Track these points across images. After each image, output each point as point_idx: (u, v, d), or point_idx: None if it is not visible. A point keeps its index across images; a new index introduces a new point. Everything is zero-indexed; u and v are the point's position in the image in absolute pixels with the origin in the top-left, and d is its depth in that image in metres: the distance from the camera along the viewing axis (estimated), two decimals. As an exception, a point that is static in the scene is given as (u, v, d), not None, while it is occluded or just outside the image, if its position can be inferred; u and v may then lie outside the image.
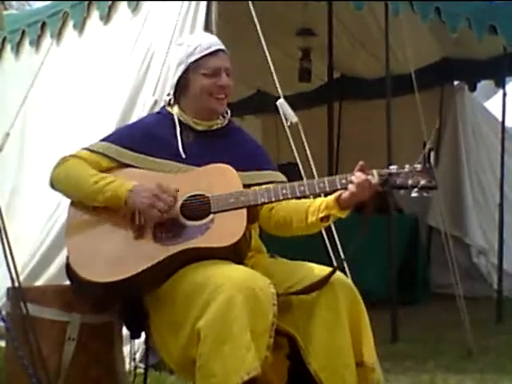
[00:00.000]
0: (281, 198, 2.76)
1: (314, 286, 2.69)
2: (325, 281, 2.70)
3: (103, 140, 2.98)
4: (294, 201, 2.85)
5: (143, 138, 2.93)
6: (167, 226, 2.75)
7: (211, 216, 2.73)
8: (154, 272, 2.67)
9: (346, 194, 2.72)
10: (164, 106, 3.06)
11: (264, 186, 2.82)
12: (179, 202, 2.77)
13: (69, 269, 2.78)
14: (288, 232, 2.92)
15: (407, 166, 2.73)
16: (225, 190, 2.77)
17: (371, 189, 2.70)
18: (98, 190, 2.78)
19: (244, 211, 2.74)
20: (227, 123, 3.03)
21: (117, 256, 2.72)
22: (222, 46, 2.98)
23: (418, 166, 2.71)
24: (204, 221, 2.73)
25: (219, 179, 2.81)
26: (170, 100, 3.03)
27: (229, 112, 3.05)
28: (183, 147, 2.90)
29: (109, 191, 2.77)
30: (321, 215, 2.77)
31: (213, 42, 2.98)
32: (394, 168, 2.73)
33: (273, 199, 2.76)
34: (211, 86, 2.91)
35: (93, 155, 2.91)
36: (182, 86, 2.96)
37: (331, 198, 2.76)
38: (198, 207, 2.76)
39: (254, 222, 2.86)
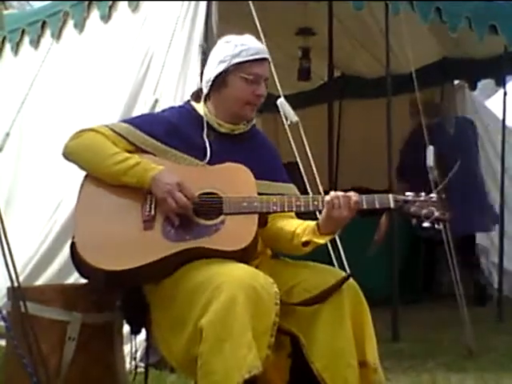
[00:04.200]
0: (294, 209, 2.76)
1: (318, 298, 2.68)
2: (329, 293, 2.69)
3: (124, 122, 2.96)
4: (289, 219, 2.86)
5: (165, 129, 2.89)
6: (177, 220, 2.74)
7: (222, 217, 2.72)
8: (157, 267, 2.66)
9: (321, 217, 2.72)
10: (188, 101, 3.03)
11: (278, 195, 2.80)
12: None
13: (74, 249, 2.75)
14: (277, 249, 2.93)
15: (423, 194, 2.73)
16: (239, 192, 2.75)
17: (351, 209, 2.68)
18: (122, 172, 2.76)
19: (255, 217, 2.73)
20: (250, 128, 3.01)
21: (124, 245, 2.70)
22: (267, 56, 2.93)
23: (434, 196, 2.72)
24: (214, 221, 2.72)
25: (235, 180, 2.80)
26: (197, 94, 3.00)
27: (254, 118, 3.02)
28: (204, 146, 2.87)
29: (135, 176, 2.75)
30: (303, 240, 2.76)
31: (261, 48, 2.92)
32: (410, 195, 2.73)
33: (286, 209, 2.75)
34: (249, 93, 2.88)
35: (112, 134, 2.86)
36: (217, 84, 2.91)
37: (314, 221, 2.75)
38: (210, 206, 2.75)
39: (263, 227, 2.84)
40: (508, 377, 4.32)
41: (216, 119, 2.93)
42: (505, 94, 6.44)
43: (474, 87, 7.76)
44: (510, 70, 6.71)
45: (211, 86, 2.92)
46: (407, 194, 2.74)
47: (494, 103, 8.20)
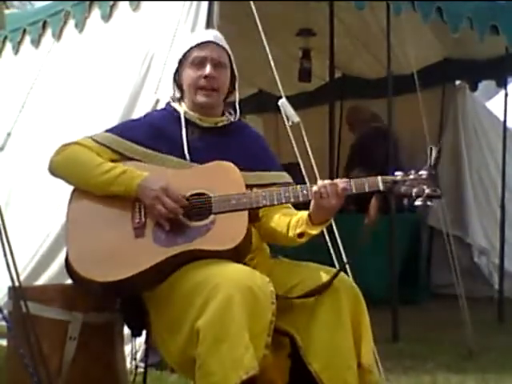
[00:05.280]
0: (283, 201, 2.74)
1: (316, 291, 2.68)
2: (327, 285, 2.68)
3: (107, 131, 2.95)
4: (284, 211, 2.86)
5: (148, 133, 2.90)
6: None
7: (212, 217, 2.72)
8: (152, 273, 2.66)
9: (311, 208, 2.71)
10: (169, 103, 3.04)
11: (267, 189, 2.80)
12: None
13: (68, 264, 2.76)
14: (274, 242, 2.93)
15: (412, 171, 2.69)
16: (227, 190, 2.74)
17: (339, 196, 2.66)
18: (109, 182, 2.76)
19: (245, 213, 2.72)
20: (234, 121, 3.01)
21: (116, 255, 2.70)
22: (212, 39, 2.94)
23: (424, 173, 2.66)
24: (205, 222, 2.71)
25: (222, 178, 2.79)
26: (175, 96, 3.02)
27: (238, 110, 3.02)
28: (188, 144, 2.88)
29: (122, 185, 2.75)
30: (297, 231, 2.76)
31: (206, 35, 2.97)
32: (399, 175, 2.69)
33: (275, 202, 2.74)
34: (197, 77, 2.90)
35: (95, 145, 2.87)
36: (178, 82, 2.98)
37: (307, 212, 2.74)
38: (200, 206, 2.74)
39: (254, 222, 2.85)
40: (508, 377, 4.32)
41: (197, 115, 2.94)
42: (506, 95, 6.43)
43: (474, 88, 7.76)
44: (512, 71, 6.71)
45: (177, 85, 2.99)
46: (396, 173, 2.70)
47: (495, 104, 8.20)
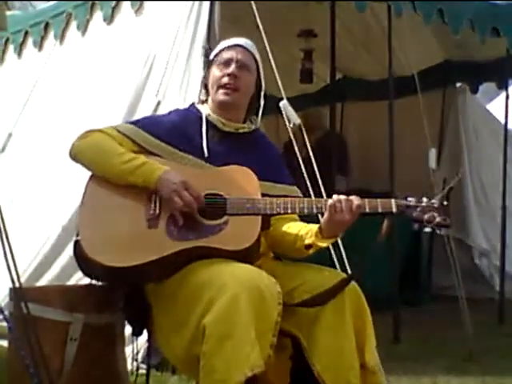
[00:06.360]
0: (297, 211, 2.77)
1: (318, 300, 2.69)
2: (331, 296, 2.69)
3: (130, 123, 2.99)
4: (294, 222, 2.88)
5: (169, 130, 2.92)
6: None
7: (226, 217, 2.74)
8: (160, 265, 2.67)
9: (323, 221, 2.74)
10: (193, 104, 3.08)
11: (282, 198, 2.81)
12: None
13: (78, 247, 2.76)
14: (281, 252, 2.95)
15: (425, 199, 2.76)
16: (243, 194, 2.77)
17: (353, 213, 2.70)
18: (129, 171, 2.77)
19: (259, 218, 2.74)
20: (255, 129, 3.04)
21: (128, 242, 2.72)
22: (241, 42, 3.01)
23: (436, 202, 2.74)
24: (218, 221, 2.73)
25: (239, 182, 2.81)
26: (200, 98, 3.06)
27: (258, 118, 3.05)
28: (207, 146, 2.90)
29: (141, 176, 2.77)
30: (306, 243, 2.78)
31: (236, 40, 3.02)
32: (411, 200, 2.76)
33: (289, 211, 2.77)
34: (220, 75, 2.94)
35: (118, 135, 2.89)
36: (206, 84, 3.02)
37: (317, 225, 2.77)
38: (215, 206, 2.76)
39: (265, 229, 2.86)
40: (509, 380, 4.33)
41: (220, 118, 2.96)
42: (507, 97, 6.43)
43: (475, 90, 7.76)
44: (512, 74, 6.71)
45: (205, 87, 3.03)
46: (409, 199, 2.77)
47: (495, 106, 8.20)
